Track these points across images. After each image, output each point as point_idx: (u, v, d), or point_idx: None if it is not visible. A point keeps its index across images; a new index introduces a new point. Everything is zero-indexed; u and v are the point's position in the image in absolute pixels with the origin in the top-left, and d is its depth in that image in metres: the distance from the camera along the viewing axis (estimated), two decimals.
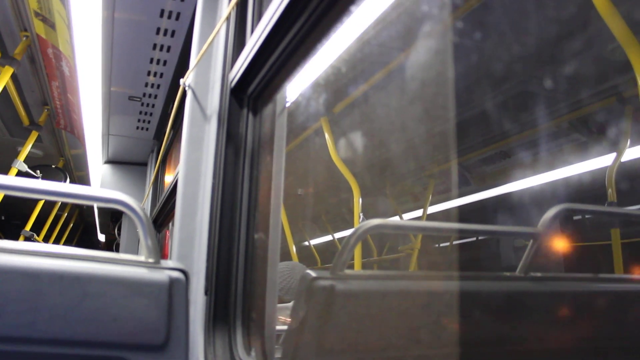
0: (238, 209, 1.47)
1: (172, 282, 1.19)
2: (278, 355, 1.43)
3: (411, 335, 1.30)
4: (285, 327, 2.12)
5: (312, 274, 1.27)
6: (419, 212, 5.37)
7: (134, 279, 1.16)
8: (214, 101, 1.63)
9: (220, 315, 1.43)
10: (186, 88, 1.74)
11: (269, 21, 1.24)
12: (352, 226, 7.00)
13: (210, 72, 1.72)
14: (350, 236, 1.31)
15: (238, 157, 1.50)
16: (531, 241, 1.41)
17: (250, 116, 1.52)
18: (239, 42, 1.58)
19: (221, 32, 1.65)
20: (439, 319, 1.31)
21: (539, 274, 1.44)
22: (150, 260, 1.22)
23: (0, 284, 1.07)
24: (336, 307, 1.28)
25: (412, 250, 4.92)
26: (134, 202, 1.21)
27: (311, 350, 1.29)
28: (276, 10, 1.19)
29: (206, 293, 1.46)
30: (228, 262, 1.46)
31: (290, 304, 2.48)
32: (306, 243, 7.80)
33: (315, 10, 1.10)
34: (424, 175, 5.00)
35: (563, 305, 1.46)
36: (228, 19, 1.61)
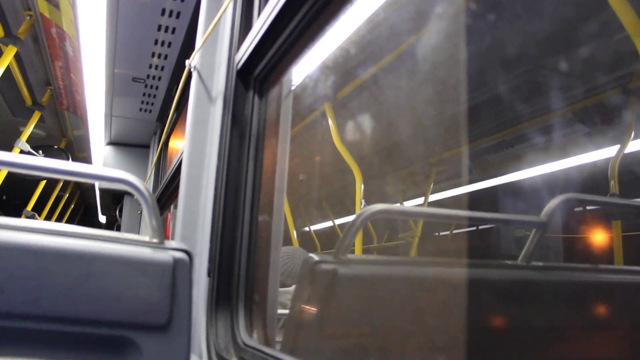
0: (242, 191, 1.47)
1: (176, 262, 1.18)
2: (279, 338, 1.44)
3: (413, 320, 1.30)
4: (286, 311, 2.13)
5: (315, 257, 1.27)
6: (420, 200, 5.38)
7: (138, 258, 1.16)
8: (219, 83, 1.62)
9: (222, 297, 1.43)
10: (191, 69, 1.74)
11: (277, 3, 1.23)
12: (352, 213, 7.01)
13: (216, 53, 1.71)
14: (354, 221, 1.31)
15: (243, 139, 1.50)
16: (534, 230, 1.41)
17: (256, 98, 1.51)
18: (246, 23, 1.57)
19: (227, 13, 1.64)
20: (440, 304, 1.31)
21: (540, 263, 1.45)
22: (155, 240, 1.21)
23: (4, 260, 1.07)
24: (338, 291, 1.28)
25: (412, 238, 4.93)
26: (139, 181, 1.21)
27: (313, 333, 1.30)
28: None
29: (209, 275, 1.46)
30: (231, 244, 1.45)
31: (291, 288, 2.49)
32: (306, 229, 7.81)
33: None
34: (426, 163, 5.00)
35: (564, 295, 1.47)
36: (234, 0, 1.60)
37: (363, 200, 3.53)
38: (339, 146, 3.61)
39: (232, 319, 1.40)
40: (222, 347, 1.36)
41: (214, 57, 1.71)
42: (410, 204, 5.70)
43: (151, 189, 4.07)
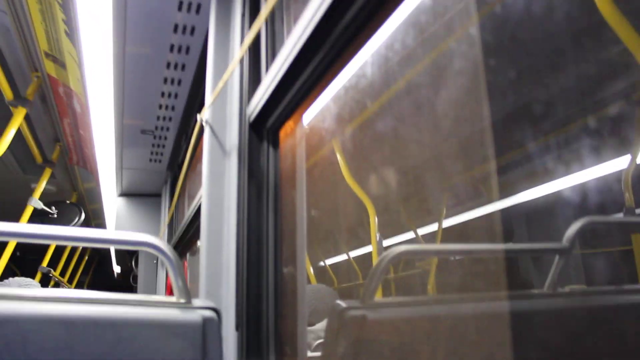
0: (265, 243, 1.47)
1: (205, 321, 1.19)
2: None
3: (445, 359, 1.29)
4: (314, 354, 2.12)
5: (343, 304, 1.27)
6: (433, 227, 5.36)
7: (167, 320, 1.16)
8: (232, 135, 1.63)
9: (252, 351, 1.42)
10: (203, 123, 1.75)
11: (288, 56, 1.24)
12: (365, 244, 6.97)
13: (226, 107, 1.73)
14: (378, 265, 1.31)
15: (261, 190, 1.51)
16: (557, 257, 1.40)
17: (271, 149, 1.52)
18: (255, 76, 1.59)
19: (236, 68, 1.66)
20: (473, 341, 1.30)
21: (567, 290, 1.44)
22: (182, 300, 1.22)
23: (36, 333, 1.07)
24: (369, 336, 1.28)
25: (429, 266, 4.90)
26: (163, 243, 1.21)
27: None
28: (294, 46, 1.20)
29: (237, 329, 1.46)
30: (258, 297, 1.45)
31: (316, 327, 2.47)
32: (321, 263, 7.77)
33: (335, 44, 1.11)
34: (437, 190, 4.99)
35: (596, 320, 1.45)
36: (243, 54, 1.63)
37: (378, 234, 3.52)
38: (349, 180, 3.62)
39: None
40: None
41: (225, 111, 1.73)
42: (424, 231, 5.67)
43: (165, 239, 4.08)
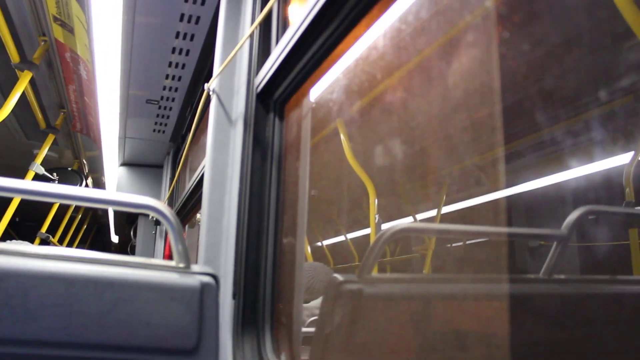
0: (266, 213, 1.48)
1: (203, 286, 1.19)
2: (305, 357, 1.44)
3: (439, 338, 1.30)
4: (308, 329, 2.14)
5: (340, 278, 1.28)
6: (432, 213, 5.37)
7: (166, 284, 1.17)
8: (239, 106, 1.64)
9: (248, 319, 1.44)
10: (210, 93, 1.76)
11: (298, 29, 1.25)
12: (364, 227, 7.00)
13: (234, 77, 1.73)
14: (376, 241, 1.32)
15: (265, 161, 1.51)
16: (555, 243, 1.41)
17: (277, 120, 1.53)
18: (264, 48, 1.60)
19: (247, 34, 1.66)
20: (466, 320, 1.31)
21: (563, 276, 1.45)
22: (181, 265, 1.23)
23: (36, 289, 1.08)
24: (365, 310, 1.29)
25: (426, 251, 4.92)
26: (166, 207, 1.22)
27: (340, 353, 1.30)
28: (304, 19, 1.20)
29: (234, 297, 1.47)
30: (256, 266, 1.47)
31: (311, 304, 2.49)
32: (319, 243, 7.80)
33: (344, 19, 1.11)
34: (437, 176, 5.00)
35: (589, 307, 1.46)
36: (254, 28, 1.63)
37: (377, 215, 3.53)
38: (352, 162, 3.62)
39: (259, 341, 1.41)
40: None
41: (233, 81, 1.73)
42: (422, 216, 5.69)
43: None
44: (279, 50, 1.36)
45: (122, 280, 1.15)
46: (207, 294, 1.20)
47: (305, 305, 2.48)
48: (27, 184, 1.18)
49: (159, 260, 1.26)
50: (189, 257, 1.24)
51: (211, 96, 1.77)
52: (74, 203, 1.25)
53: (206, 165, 1.74)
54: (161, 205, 1.22)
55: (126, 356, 1.15)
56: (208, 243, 1.64)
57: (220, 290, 1.47)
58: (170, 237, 1.23)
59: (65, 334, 1.09)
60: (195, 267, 1.24)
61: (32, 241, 5.03)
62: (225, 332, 1.46)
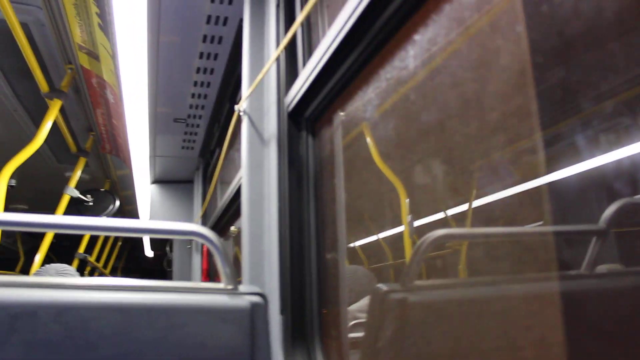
0: (306, 229, 1.51)
1: (253, 306, 1.23)
2: None
3: (487, 342, 1.31)
4: (352, 334, 2.16)
5: (384, 287, 1.30)
6: (463, 207, 5.34)
7: (216, 306, 1.21)
8: (270, 125, 1.67)
9: (297, 333, 1.47)
10: (241, 114, 1.79)
11: (328, 48, 1.27)
12: (395, 226, 6.98)
13: (263, 97, 1.76)
14: (418, 247, 1.34)
15: (301, 177, 1.54)
16: (594, 238, 1.41)
17: (310, 138, 1.56)
18: (292, 68, 1.63)
19: (273, 57, 1.69)
20: (513, 323, 1.32)
21: (605, 270, 1.44)
22: (230, 286, 1.26)
23: (95, 320, 1.13)
24: (410, 318, 1.31)
25: (460, 246, 4.89)
26: (211, 232, 1.26)
27: None
28: (335, 38, 1.23)
29: (282, 313, 1.50)
30: (301, 281, 1.50)
31: (352, 307, 2.51)
32: (351, 245, 7.79)
33: (375, 37, 1.14)
34: (466, 170, 4.97)
35: (633, 302, 1.46)
36: (280, 51, 1.66)
37: (409, 216, 3.53)
38: (379, 163, 3.63)
39: (309, 353, 1.44)
40: None
41: (262, 101, 1.77)
42: (452, 212, 5.65)
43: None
44: (310, 70, 1.39)
45: (175, 306, 1.18)
46: (257, 313, 1.23)
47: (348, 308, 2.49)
48: (76, 220, 1.23)
49: (207, 284, 1.30)
50: (236, 279, 1.28)
51: (242, 117, 1.80)
52: (119, 235, 1.30)
53: (242, 184, 1.78)
54: (205, 230, 1.26)
55: None
56: (252, 261, 1.67)
57: (268, 307, 1.51)
58: (217, 260, 1.27)
59: None
60: (243, 288, 1.27)
61: (70, 261, 5.13)
62: (276, 347, 1.49)
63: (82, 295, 1.14)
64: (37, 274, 2.75)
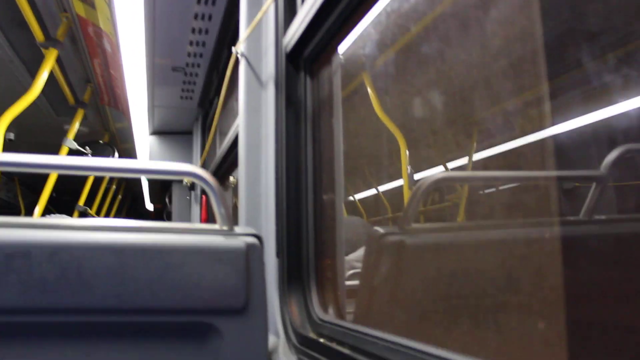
0: (303, 172, 1.50)
1: (248, 247, 1.22)
2: (350, 310, 1.47)
3: (481, 284, 1.31)
4: (349, 282, 2.17)
5: (381, 230, 1.30)
6: (462, 161, 5.33)
7: (212, 247, 1.20)
8: (268, 67, 1.64)
9: (293, 276, 1.47)
10: (239, 56, 1.76)
11: None
12: (394, 179, 6.98)
13: (262, 38, 1.73)
14: (416, 191, 1.33)
15: (299, 120, 1.52)
16: (594, 184, 1.40)
17: (308, 79, 1.53)
18: (290, 7, 1.59)
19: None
20: (507, 267, 1.32)
21: (603, 217, 1.44)
22: (225, 227, 1.26)
23: (89, 260, 1.12)
24: (407, 260, 1.31)
25: (459, 200, 4.91)
26: (206, 173, 1.24)
27: (385, 304, 1.32)
28: None
29: (278, 255, 1.50)
30: (297, 224, 1.49)
31: (349, 257, 2.52)
32: (350, 198, 7.82)
33: None
34: (467, 123, 4.94)
35: (630, 247, 1.45)
36: None
37: (409, 167, 3.52)
38: (381, 115, 3.60)
39: (306, 297, 1.44)
40: (298, 325, 1.41)
41: (260, 43, 1.74)
42: (453, 165, 5.65)
43: None
44: (307, 9, 1.36)
45: (170, 246, 1.18)
46: (252, 254, 1.22)
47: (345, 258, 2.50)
48: (74, 160, 1.22)
49: (203, 225, 1.29)
50: (232, 219, 1.27)
51: (239, 59, 1.77)
52: (116, 175, 1.29)
53: (240, 128, 1.76)
54: (201, 171, 1.25)
55: (177, 318, 1.19)
56: (248, 204, 1.66)
57: (264, 249, 1.50)
58: (212, 201, 1.26)
59: (118, 301, 1.13)
60: (238, 229, 1.27)
61: (70, 214, 5.15)
62: (272, 289, 1.49)
63: (76, 236, 1.13)
64: None
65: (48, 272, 1.09)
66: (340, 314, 1.44)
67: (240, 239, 1.22)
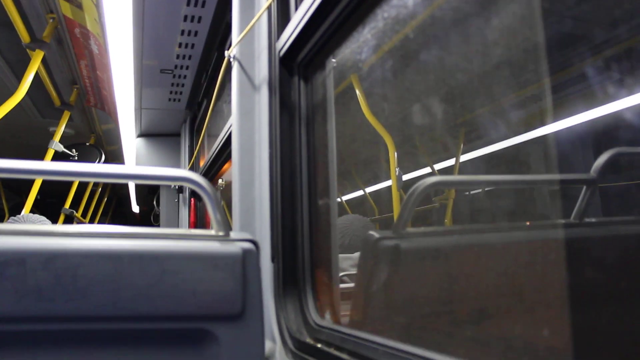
0: (298, 176, 1.50)
1: (244, 253, 1.21)
2: (345, 314, 1.47)
3: (476, 288, 1.32)
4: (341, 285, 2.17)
5: (376, 234, 1.30)
6: (450, 162, 5.35)
7: (208, 253, 1.19)
8: (262, 71, 1.64)
9: (289, 281, 1.46)
10: (231, 60, 1.76)
11: None
12: (382, 181, 7.00)
13: (254, 42, 1.73)
14: (409, 196, 1.33)
15: (293, 123, 1.52)
16: (584, 187, 1.41)
17: (302, 83, 1.53)
18: (283, 12, 1.59)
19: (265, 4, 1.65)
20: (502, 270, 1.32)
21: (593, 219, 1.45)
22: (221, 233, 1.25)
23: (84, 267, 1.11)
24: (402, 264, 1.31)
25: (446, 201, 4.92)
26: (202, 178, 1.24)
27: (381, 308, 1.32)
28: None
29: (273, 260, 1.50)
30: (292, 228, 1.49)
31: (344, 256, 2.50)
32: (337, 199, 7.82)
33: None
34: (454, 125, 4.96)
35: (621, 250, 1.46)
36: None
37: (397, 169, 3.53)
38: (369, 116, 3.60)
39: (301, 301, 1.44)
40: (294, 330, 1.40)
41: (253, 47, 1.73)
42: (440, 166, 5.67)
43: None
44: (301, 14, 1.36)
45: (166, 253, 1.17)
46: (248, 259, 1.22)
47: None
48: (62, 165, 1.20)
49: (199, 230, 1.28)
50: (228, 225, 1.26)
51: (232, 63, 1.77)
52: (109, 181, 1.28)
53: (233, 131, 1.75)
54: (197, 176, 1.24)
55: (175, 325, 1.18)
56: (242, 209, 1.66)
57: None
58: (208, 207, 1.25)
59: (114, 308, 1.12)
60: (234, 235, 1.26)
61: (56, 217, 5.11)
62: (268, 295, 1.48)
63: (71, 243, 1.12)
64: (10, 222, 2.73)
65: (43, 279, 1.08)
66: (336, 318, 1.44)
67: (236, 245, 1.22)
